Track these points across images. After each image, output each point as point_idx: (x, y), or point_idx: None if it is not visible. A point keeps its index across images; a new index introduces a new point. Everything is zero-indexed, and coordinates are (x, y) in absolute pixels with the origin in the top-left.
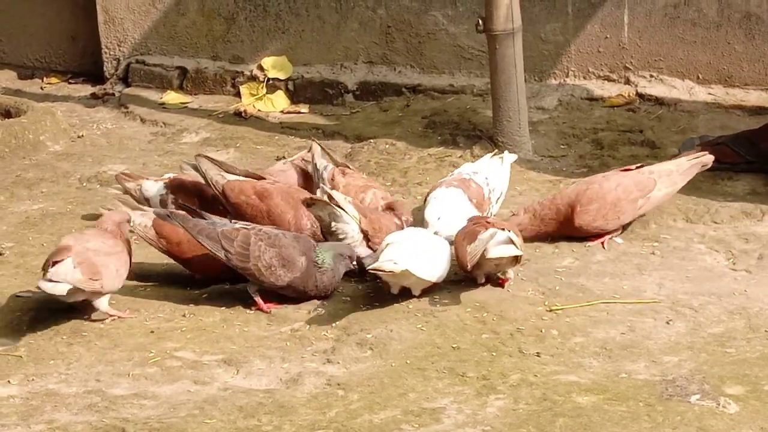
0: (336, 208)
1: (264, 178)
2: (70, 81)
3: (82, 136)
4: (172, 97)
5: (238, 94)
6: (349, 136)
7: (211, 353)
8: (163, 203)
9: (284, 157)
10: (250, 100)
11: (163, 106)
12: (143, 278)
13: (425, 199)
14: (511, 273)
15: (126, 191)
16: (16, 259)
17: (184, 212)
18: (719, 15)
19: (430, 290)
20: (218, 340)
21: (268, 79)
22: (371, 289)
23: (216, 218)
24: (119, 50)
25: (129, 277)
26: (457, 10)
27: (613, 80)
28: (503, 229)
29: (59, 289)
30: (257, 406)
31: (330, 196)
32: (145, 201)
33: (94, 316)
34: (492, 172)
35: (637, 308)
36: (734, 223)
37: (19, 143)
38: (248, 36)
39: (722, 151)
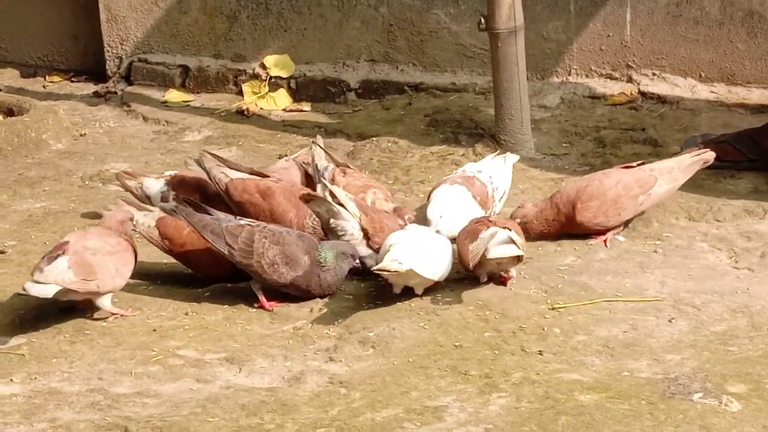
0: (334, 204)
1: (268, 176)
2: (72, 79)
3: (85, 134)
4: (174, 95)
5: (240, 93)
6: (351, 134)
7: (213, 351)
8: (164, 200)
9: (286, 155)
10: (252, 99)
11: (165, 105)
12: (145, 277)
13: (428, 196)
14: (513, 271)
15: (127, 190)
16: (19, 257)
17: (189, 207)
18: (722, 13)
19: (433, 289)
20: (221, 339)
21: (271, 78)
22: (373, 288)
23: (221, 214)
24: (121, 49)
25: (132, 276)
26: (459, 9)
27: (616, 78)
28: (505, 228)
29: (46, 292)
30: (259, 405)
31: (331, 193)
32: (147, 199)
33: (96, 314)
34: (496, 170)
35: (640, 306)
36: (736, 221)
37: (22, 142)
38: (250, 34)
39: (725, 150)
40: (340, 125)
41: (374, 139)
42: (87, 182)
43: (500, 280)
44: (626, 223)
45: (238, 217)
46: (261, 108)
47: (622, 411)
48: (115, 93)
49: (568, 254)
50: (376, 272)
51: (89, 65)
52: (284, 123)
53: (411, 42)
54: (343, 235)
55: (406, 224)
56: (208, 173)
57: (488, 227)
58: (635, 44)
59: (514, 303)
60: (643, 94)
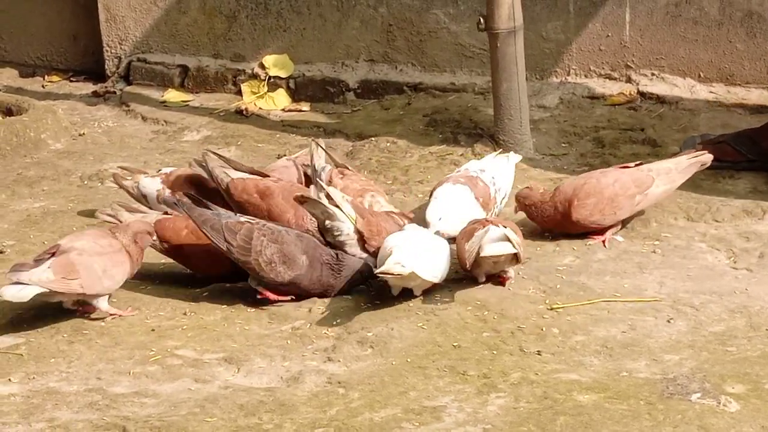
0: (328, 206)
1: (269, 176)
2: (71, 79)
3: (84, 134)
4: (173, 95)
5: (239, 93)
6: (350, 134)
7: (211, 351)
8: (160, 199)
9: (285, 155)
10: (251, 99)
11: (164, 105)
12: (144, 277)
13: (430, 195)
14: (511, 272)
15: (123, 189)
16: (17, 257)
17: (189, 201)
18: (721, 13)
19: (431, 289)
20: (219, 339)
21: (270, 78)
22: (372, 288)
23: (222, 210)
24: (120, 48)
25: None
26: (459, 9)
27: (615, 78)
28: (501, 227)
29: (23, 295)
30: (258, 405)
31: (327, 194)
32: (143, 198)
33: (94, 315)
34: (498, 171)
35: (638, 307)
36: (735, 221)
37: (21, 141)
38: (249, 34)
39: (723, 150)
40: (339, 125)
41: (373, 139)
42: (86, 182)
43: (499, 281)
44: (624, 223)
45: (238, 214)
46: (260, 108)
47: (620, 411)
48: (114, 93)
49: (566, 254)
50: (379, 275)
51: (88, 65)
52: (283, 123)
53: (410, 42)
54: (338, 236)
55: (405, 224)
56: (210, 173)
57: (484, 226)
58: (634, 44)
59: (512, 303)
60: (642, 94)
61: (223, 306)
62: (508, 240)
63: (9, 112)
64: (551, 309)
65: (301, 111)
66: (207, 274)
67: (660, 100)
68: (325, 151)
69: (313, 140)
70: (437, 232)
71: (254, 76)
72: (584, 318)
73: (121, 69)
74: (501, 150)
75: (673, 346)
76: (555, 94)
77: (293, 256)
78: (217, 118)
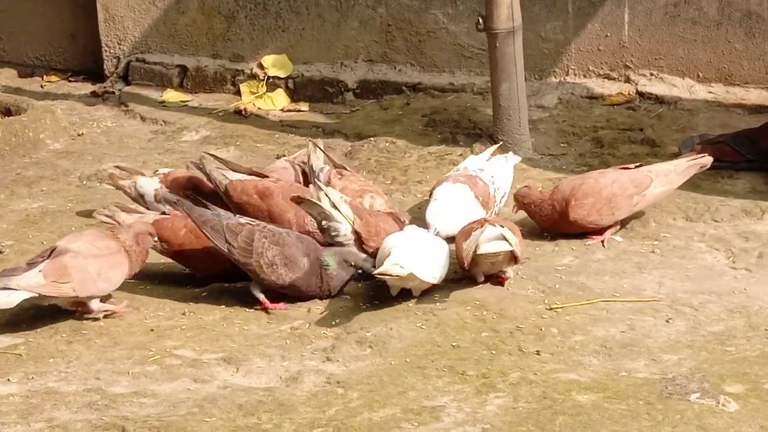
0: (325, 207)
1: (267, 177)
2: (70, 79)
3: (82, 134)
4: (172, 95)
5: (238, 93)
6: (349, 134)
7: (210, 351)
8: (157, 198)
9: (284, 155)
10: (250, 99)
11: (163, 105)
12: (142, 277)
13: (430, 194)
14: (510, 272)
15: (120, 189)
16: (16, 257)
17: (189, 202)
18: (719, 13)
19: (430, 289)
20: (218, 339)
21: (268, 78)
22: (371, 288)
23: (222, 211)
24: (119, 48)
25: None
26: (458, 9)
27: (614, 79)
28: (498, 226)
29: (9, 301)
30: (257, 405)
31: (326, 195)
32: (140, 198)
33: (91, 315)
34: (497, 170)
35: (637, 307)
36: (734, 221)
37: (19, 141)
38: (248, 34)
39: (722, 150)
40: (338, 125)
41: (372, 139)
42: (84, 182)
43: (497, 281)
44: (623, 224)
45: (238, 215)
46: (259, 108)
47: (619, 411)
48: (113, 93)
49: (565, 254)
50: (378, 276)
51: (87, 65)
52: (282, 123)
53: (409, 42)
54: (336, 236)
55: (406, 222)
56: (208, 176)
57: (482, 225)
58: (633, 44)
59: (511, 303)
60: (641, 94)
61: (222, 306)
62: (505, 239)
63: (8, 112)
64: (550, 309)
65: (299, 111)
66: (206, 274)
67: (659, 100)
68: (323, 152)
69: (310, 141)
70: (437, 233)
71: (253, 77)
72: (583, 318)
73: (119, 69)
74: (498, 145)
75: (672, 346)
76: (554, 94)
77: (294, 258)
78: (216, 118)
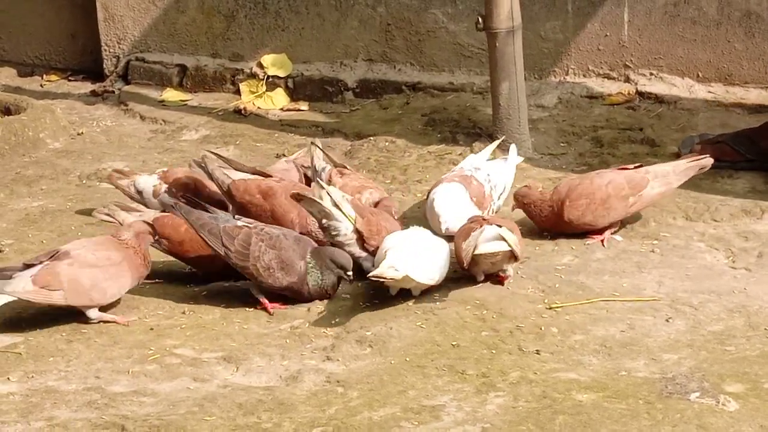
0: (325, 205)
1: (271, 176)
2: (69, 78)
3: (82, 133)
4: (171, 94)
5: (237, 92)
6: (348, 133)
7: (210, 350)
8: (156, 194)
9: (284, 155)
10: (249, 98)
11: (162, 104)
12: None
13: (427, 196)
14: (510, 271)
15: (119, 188)
16: (16, 256)
17: (187, 205)
18: (719, 13)
19: (430, 288)
20: (218, 338)
21: (268, 77)
22: (371, 287)
23: (221, 213)
24: (119, 48)
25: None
26: (457, 8)
27: (613, 78)
28: (497, 225)
29: None
30: (257, 403)
31: (327, 194)
32: (138, 194)
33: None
34: (494, 169)
35: (637, 306)
36: (734, 221)
37: (19, 140)
38: (248, 33)
39: (722, 150)
40: (338, 124)
41: (372, 138)
42: (84, 181)
43: (497, 280)
44: (623, 223)
45: (237, 217)
46: (258, 107)
47: (619, 410)
48: (113, 92)
49: (565, 254)
50: (373, 279)
51: (86, 64)
52: (282, 122)
53: (409, 41)
54: (336, 235)
55: (394, 216)
56: (210, 175)
57: (481, 225)
58: (633, 44)
59: (511, 302)
60: (640, 93)
61: (222, 305)
62: (503, 239)
63: (7, 112)
64: (550, 308)
65: (299, 110)
66: (207, 271)
67: (658, 99)
68: (323, 152)
69: (312, 142)
70: (447, 229)
71: (253, 76)
72: (583, 317)
73: (119, 68)
74: (502, 139)
75: (672, 346)
76: (553, 94)
77: (291, 261)
78: (216, 117)
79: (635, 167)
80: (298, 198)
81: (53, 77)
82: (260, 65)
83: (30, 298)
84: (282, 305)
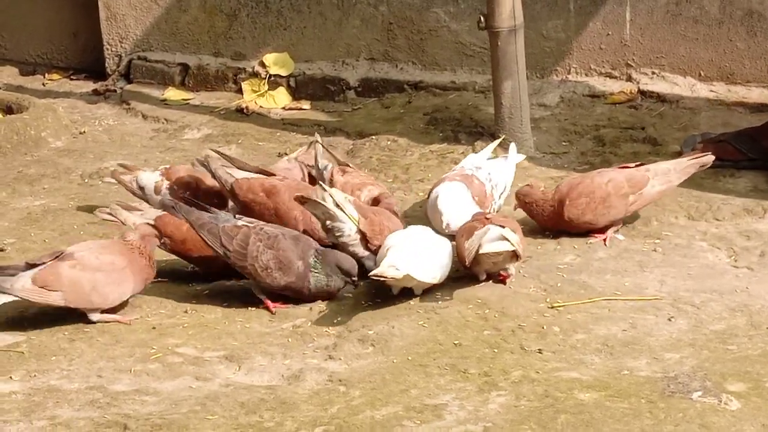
0: (329, 207)
1: (274, 175)
2: (71, 77)
3: (84, 132)
4: (173, 93)
5: (239, 91)
6: (350, 132)
7: (212, 349)
8: (157, 191)
9: (286, 154)
10: (251, 97)
11: (164, 103)
12: None
13: (428, 195)
14: (512, 269)
15: (121, 183)
16: (18, 255)
17: (187, 205)
18: (721, 12)
19: (432, 287)
20: (220, 337)
21: (270, 76)
22: (373, 286)
23: (222, 213)
24: (121, 46)
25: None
26: (459, 7)
27: (615, 77)
28: (500, 226)
29: None
30: (259, 403)
31: (330, 195)
32: (140, 190)
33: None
34: (495, 167)
35: (639, 305)
36: (736, 220)
37: (21, 139)
38: (250, 32)
39: (724, 149)
40: (340, 123)
41: (374, 137)
42: (86, 180)
43: (499, 279)
44: (626, 222)
45: (237, 216)
46: (260, 106)
47: (621, 409)
48: (115, 91)
49: (567, 253)
50: (373, 278)
51: (89, 63)
52: (283, 121)
53: (411, 40)
54: (340, 236)
55: (397, 213)
56: (213, 174)
57: (484, 224)
58: (635, 43)
59: (513, 301)
60: (642, 92)
61: (224, 304)
62: (506, 239)
63: (9, 110)
64: (552, 307)
65: (301, 109)
66: (209, 270)
67: (660, 98)
68: (326, 150)
69: (316, 140)
70: (447, 225)
71: (255, 75)
72: (585, 316)
73: (121, 67)
74: (502, 138)
75: (674, 345)
76: (555, 93)
77: (289, 262)
78: (218, 116)
79: (636, 166)
80: (302, 201)
81: (55, 76)
82: (262, 64)
83: (27, 297)
84: (284, 304)
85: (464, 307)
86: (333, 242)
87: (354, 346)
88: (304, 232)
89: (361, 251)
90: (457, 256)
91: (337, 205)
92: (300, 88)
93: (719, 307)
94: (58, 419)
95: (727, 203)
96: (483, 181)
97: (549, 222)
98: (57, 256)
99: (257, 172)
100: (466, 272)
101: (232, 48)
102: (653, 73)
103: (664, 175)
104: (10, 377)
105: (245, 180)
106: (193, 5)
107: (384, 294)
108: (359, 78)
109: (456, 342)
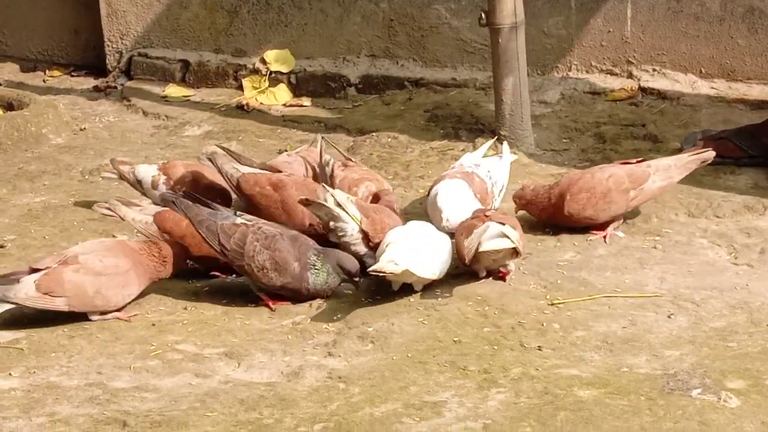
0: (333, 208)
1: (280, 171)
2: (72, 74)
3: (85, 128)
4: (174, 90)
5: (240, 88)
6: (351, 129)
7: (212, 346)
8: (154, 185)
9: (286, 150)
10: (252, 94)
11: (165, 99)
12: None
13: (429, 192)
14: (512, 266)
15: (120, 174)
16: (18, 251)
17: (187, 200)
18: (722, 9)
19: (432, 284)
20: (219, 333)
21: (271, 73)
22: (372, 283)
23: (221, 209)
24: (122, 43)
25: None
26: (460, 4)
27: (616, 74)
28: (500, 223)
29: None
30: (258, 399)
31: (332, 195)
32: (138, 183)
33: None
34: (493, 165)
35: (639, 302)
36: (736, 217)
37: (22, 136)
38: (251, 29)
39: (725, 146)
40: (340, 120)
41: (374, 134)
42: (87, 176)
43: (499, 276)
44: (626, 219)
45: (238, 213)
46: (261, 103)
47: (621, 406)
48: (115, 87)
49: (567, 250)
50: (372, 273)
51: (89, 60)
52: (284, 118)
53: (411, 37)
54: (343, 236)
55: (397, 211)
56: (219, 169)
57: (483, 222)
58: (636, 40)
59: (513, 298)
60: (643, 89)
61: (224, 301)
62: (506, 236)
63: (10, 107)
64: (552, 304)
65: (302, 106)
66: (208, 266)
67: (661, 95)
68: (332, 145)
69: (322, 138)
70: (447, 222)
71: (255, 71)
72: (585, 313)
73: (122, 64)
74: (496, 138)
75: (674, 342)
76: (556, 90)
77: (285, 262)
78: (219, 113)
79: (637, 161)
80: (306, 203)
81: (56, 73)
82: (263, 61)
83: (32, 304)
84: (283, 301)
85: (464, 304)
86: (336, 242)
87: (353, 343)
88: (311, 225)
89: (363, 250)
90: (457, 254)
91: (339, 205)
92: (301, 84)
93: (719, 304)
94: (58, 416)
95: (728, 200)
96: (484, 178)
97: (545, 215)
98: (60, 260)
99: (262, 169)
100: (465, 269)
101: (232, 45)
102: (654, 70)
103: (665, 170)
104: (10, 374)
105: (252, 174)
106: (194, 2)
107: (384, 291)
108: (360, 75)
109: (456, 339)
